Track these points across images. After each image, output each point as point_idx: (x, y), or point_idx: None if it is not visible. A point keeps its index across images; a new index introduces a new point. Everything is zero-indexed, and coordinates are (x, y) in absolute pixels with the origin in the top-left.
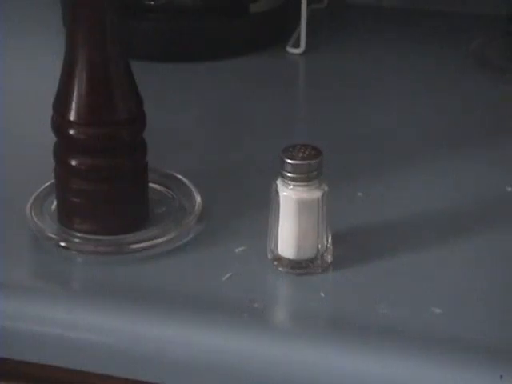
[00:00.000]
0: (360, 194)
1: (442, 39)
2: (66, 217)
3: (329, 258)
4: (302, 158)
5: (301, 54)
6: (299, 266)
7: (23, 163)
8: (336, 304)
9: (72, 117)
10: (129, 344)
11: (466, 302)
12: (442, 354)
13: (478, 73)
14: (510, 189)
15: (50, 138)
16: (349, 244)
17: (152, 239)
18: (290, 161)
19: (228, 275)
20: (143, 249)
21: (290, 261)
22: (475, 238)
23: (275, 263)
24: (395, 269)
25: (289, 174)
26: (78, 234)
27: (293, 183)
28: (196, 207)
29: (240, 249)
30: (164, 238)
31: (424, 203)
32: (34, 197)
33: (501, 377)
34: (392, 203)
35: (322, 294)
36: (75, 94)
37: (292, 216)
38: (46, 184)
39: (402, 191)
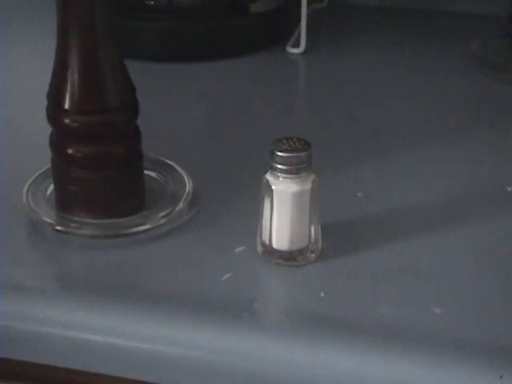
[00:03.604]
0: (360, 193)
1: (442, 39)
2: (63, 203)
3: (319, 247)
4: (292, 151)
5: (301, 54)
6: (291, 258)
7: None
8: (336, 304)
9: (66, 105)
10: (128, 344)
11: (466, 302)
12: (442, 354)
13: (478, 73)
14: (510, 189)
15: (47, 128)
16: (351, 243)
17: (147, 224)
18: (279, 153)
19: (228, 275)
20: (138, 233)
21: (281, 252)
22: (475, 238)
23: (267, 256)
24: (394, 268)
25: (279, 166)
26: (74, 219)
27: (282, 175)
28: (187, 192)
29: (240, 249)
30: (160, 222)
31: (424, 203)
32: (29, 183)
33: (501, 377)
34: (392, 203)
35: (322, 294)
36: (68, 82)
37: (283, 208)
38: (41, 171)
39: (401, 190)
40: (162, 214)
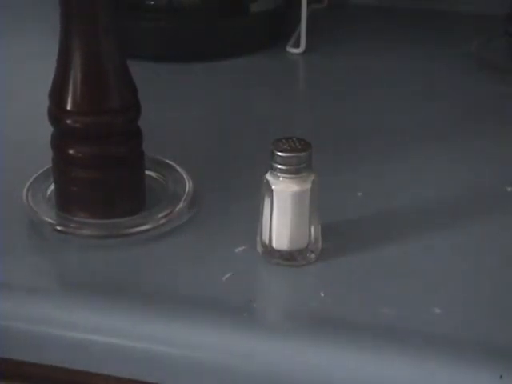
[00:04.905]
0: (359, 192)
1: (442, 39)
2: (63, 203)
3: (319, 247)
4: (292, 151)
5: (301, 54)
6: (291, 258)
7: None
8: (336, 304)
9: (68, 106)
10: (128, 344)
11: (466, 302)
12: (442, 353)
13: (478, 73)
14: (510, 189)
15: (47, 127)
16: (351, 243)
17: (147, 224)
18: (279, 153)
19: (228, 275)
20: (138, 233)
21: (281, 252)
22: (475, 239)
23: (266, 256)
24: (394, 268)
25: (279, 166)
26: (74, 219)
27: (282, 175)
28: (187, 192)
29: (240, 249)
30: (160, 222)
31: (424, 203)
32: (29, 183)
33: (501, 377)
34: (392, 202)
35: (322, 294)
36: (70, 83)
37: (283, 208)
38: (41, 171)
39: (401, 190)
40: (161, 214)
